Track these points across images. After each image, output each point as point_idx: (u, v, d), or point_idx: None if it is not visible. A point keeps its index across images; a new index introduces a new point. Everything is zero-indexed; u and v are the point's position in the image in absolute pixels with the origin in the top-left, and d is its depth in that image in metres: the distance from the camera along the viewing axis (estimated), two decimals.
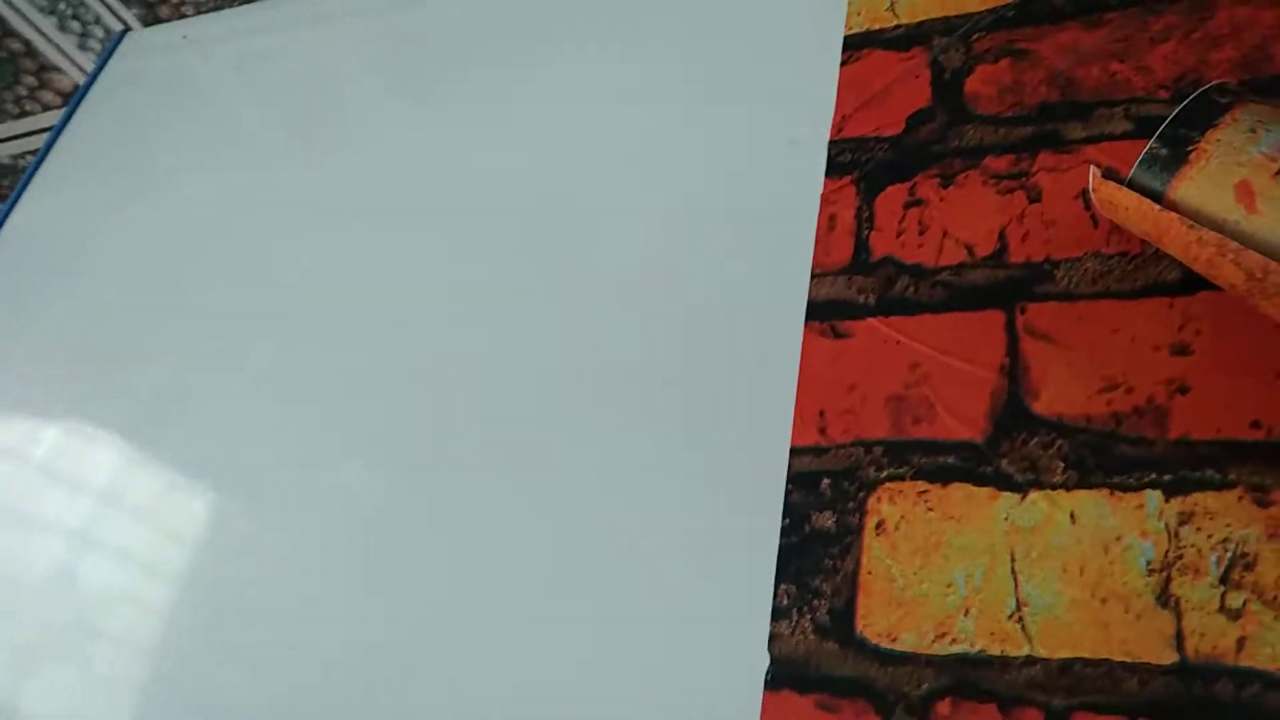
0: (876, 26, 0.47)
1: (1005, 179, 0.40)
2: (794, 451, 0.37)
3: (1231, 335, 0.33)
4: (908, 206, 0.41)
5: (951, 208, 0.40)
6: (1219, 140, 0.32)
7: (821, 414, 0.38)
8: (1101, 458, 0.33)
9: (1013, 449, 0.34)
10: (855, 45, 0.46)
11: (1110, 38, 0.42)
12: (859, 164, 0.43)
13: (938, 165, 0.41)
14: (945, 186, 0.41)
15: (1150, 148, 0.33)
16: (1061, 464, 0.34)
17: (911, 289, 0.39)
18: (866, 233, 0.41)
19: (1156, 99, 0.39)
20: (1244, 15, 0.40)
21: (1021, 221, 0.39)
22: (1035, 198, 0.39)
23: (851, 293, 0.40)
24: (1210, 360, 0.33)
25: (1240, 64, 0.39)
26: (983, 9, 0.45)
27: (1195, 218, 0.32)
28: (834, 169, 0.43)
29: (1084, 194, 0.38)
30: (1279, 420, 0.31)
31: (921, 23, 0.46)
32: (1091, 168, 0.34)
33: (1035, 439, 0.34)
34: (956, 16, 0.46)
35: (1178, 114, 0.33)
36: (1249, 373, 0.32)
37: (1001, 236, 0.39)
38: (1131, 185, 0.33)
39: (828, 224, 0.42)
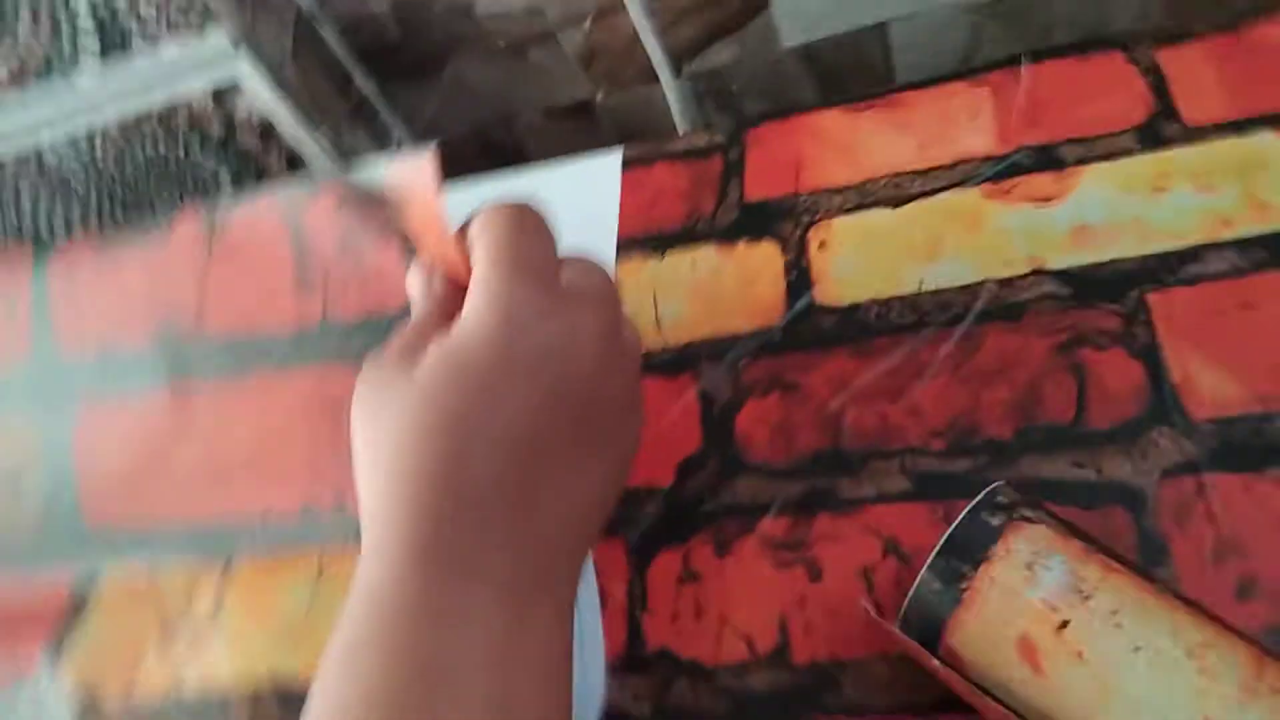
0: (645, 348, 0.42)
1: (782, 548, 0.36)
2: None
3: None
4: (682, 581, 0.36)
5: (727, 584, 0.36)
6: (993, 579, 0.28)
7: None
8: None
9: None
10: None
11: (879, 372, 0.39)
12: (631, 522, 0.38)
13: (711, 527, 0.37)
14: (720, 555, 0.36)
15: (921, 580, 0.29)
16: None
17: (690, 694, 0.34)
18: (639, 613, 0.36)
19: (931, 450, 0.36)
20: (1012, 347, 0.38)
21: (803, 608, 0.34)
22: (815, 575, 0.35)
23: (626, 699, 0.35)
24: None
25: (1014, 406, 0.36)
26: (750, 329, 0.42)
27: (978, 672, 0.28)
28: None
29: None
30: None
31: (688, 345, 0.42)
32: (861, 603, 0.30)
33: None
34: (723, 338, 0.42)
35: (947, 539, 0.29)
36: None
37: (783, 627, 0.34)
38: (905, 623, 0.29)
39: None
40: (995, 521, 0.29)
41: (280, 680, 0.42)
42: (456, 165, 0.70)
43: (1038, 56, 0.45)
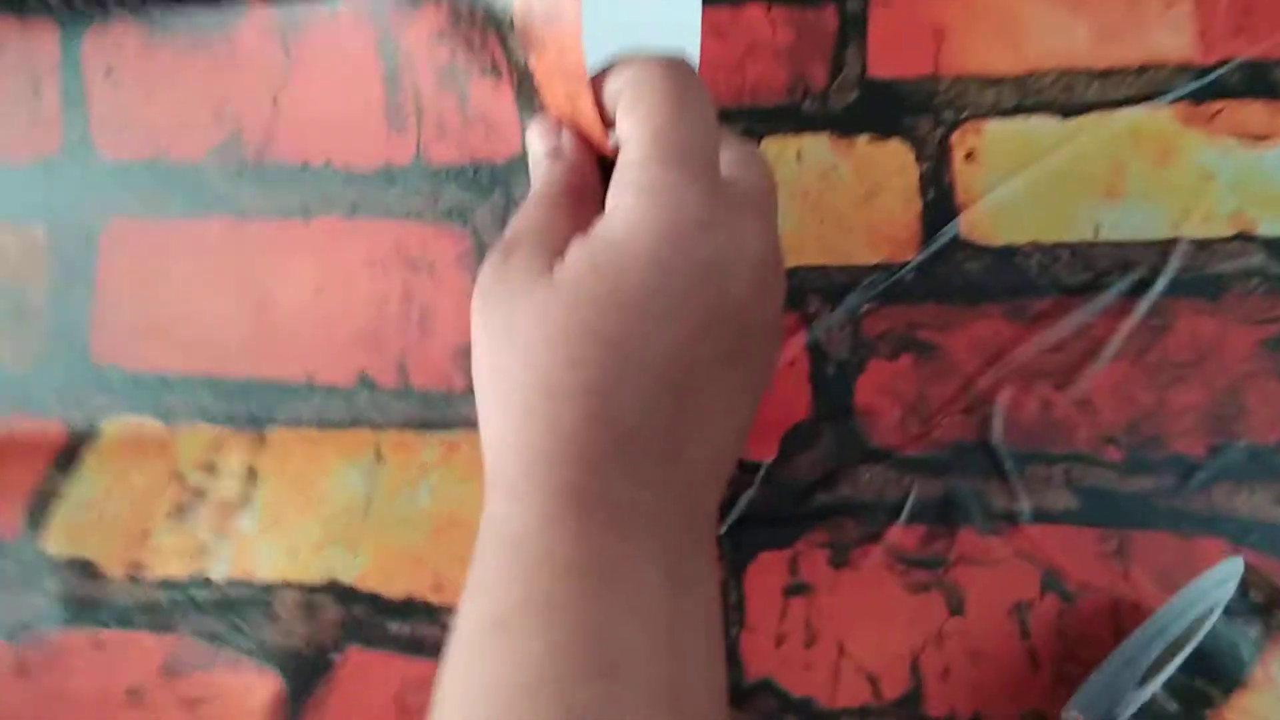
0: None
1: (916, 566, 0.29)
2: None
3: None
4: (789, 594, 0.30)
5: (846, 603, 0.29)
6: (1249, 713, 0.22)
7: None
8: None
9: None
10: None
11: (1043, 345, 0.31)
12: (721, 506, 0.31)
13: (825, 526, 0.30)
14: (837, 566, 0.30)
15: (1154, 698, 0.23)
16: None
17: None
18: (736, 632, 0.30)
19: (1104, 460, 0.29)
20: (1209, 334, 0.30)
21: (940, 647, 0.28)
22: (956, 606, 0.29)
23: None
24: None
25: (1209, 414, 0.30)
26: (874, 261, 0.33)
27: None
28: None
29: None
30: None
31: (792, 273, 0.34)
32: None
33: None
34: (839, 269, 0.33)
35: (1193, 652, 0.23)
36: None
37: (915, 669, 0.28)
38: None
39: None
40: (1253, 633, 0.22)
41: (339, 581, 0.34)
42: None
43: None
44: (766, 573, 0.30)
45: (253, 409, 0.36)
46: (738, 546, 0.30)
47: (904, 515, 0.29)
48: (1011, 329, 0.32)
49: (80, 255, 0.38)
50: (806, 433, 0.31)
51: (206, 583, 0.34)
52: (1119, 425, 0.30)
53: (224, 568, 0.34)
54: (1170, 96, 0.34)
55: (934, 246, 0.33)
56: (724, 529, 0.30)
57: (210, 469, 0.35)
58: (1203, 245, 0.32)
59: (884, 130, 0.35)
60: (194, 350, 0.37)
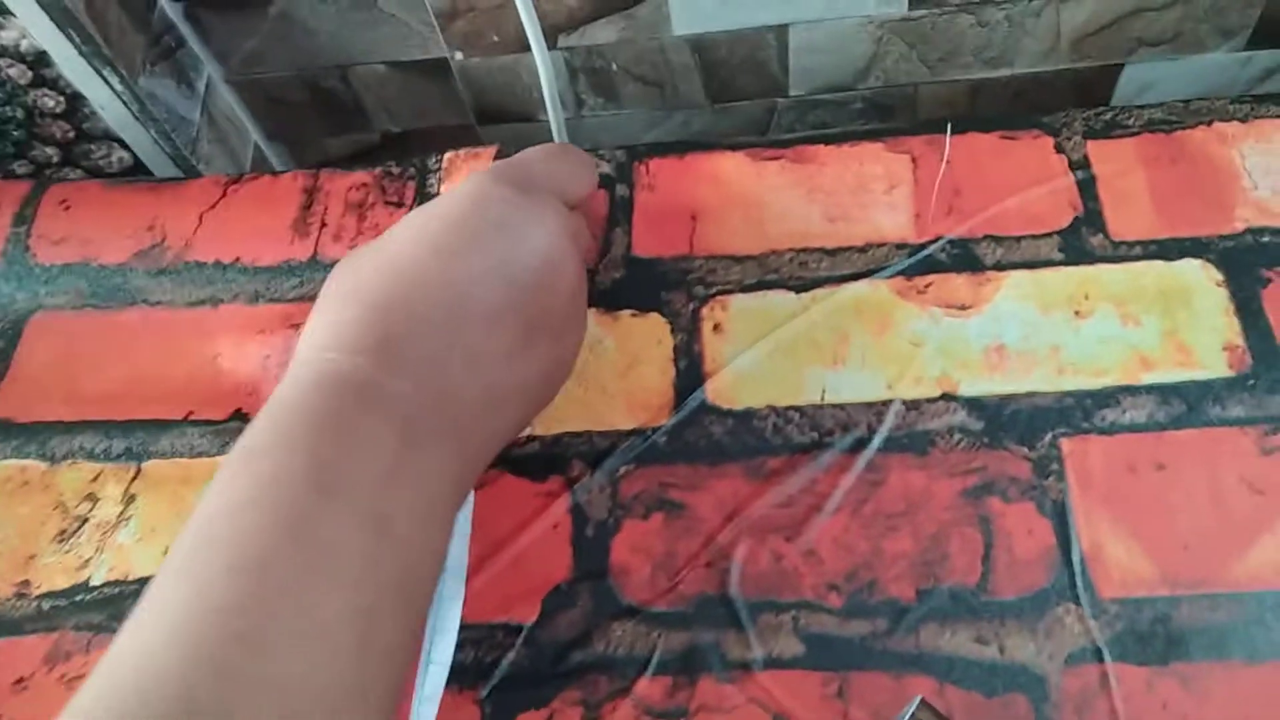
0: None
1: (660, 718, 0.31)
2: None
3: None
4: None
5: None
6: None
7: None
8: None
9: None
10: None
11: (775, 501, 0.34)
12: (485, 668, 0.32)
13: (579, 684, 0.32)
14: None
15: None
16: None
17: None
18: None
19: (827, 606, 0.32)
20: (918, 486, 0.34)
21: None
22: None
23: None
24: None
25: (917, 560, 0.32)
26: (631, 426, 0.36)
27: None
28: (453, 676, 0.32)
29: None
30: None
31: (559, 439, 0.36)
32: None
33: None
34: (601, 434, 0.36)
35: None
36: None
37: None
38: None
39: None
40: None
41: None
42: (281, 111, 0.59)
43: (960, 127, 0.40)
44: None
45: (132, 446, 0.37)
46: (499, 708, 0.31)
47: (650, 668, 0.31)
48: (749, 486, 0.34)
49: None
50: (566, 593, 0.33)
51: (86, 590, 0.35)
52: (840, 573, 0.32)
53: (104, 573, 0.35)
54: (888, 272, 0.38)
55: (684, 413, 0.36)
56: (486, 691, 0.31)
57: (91, 499, 0.36)
58: (913, 405, 0.35)
59: (645, 305, 0.38)
60: (79, 407, 0.39)
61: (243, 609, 0.22)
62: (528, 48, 0.44)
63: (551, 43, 0.54)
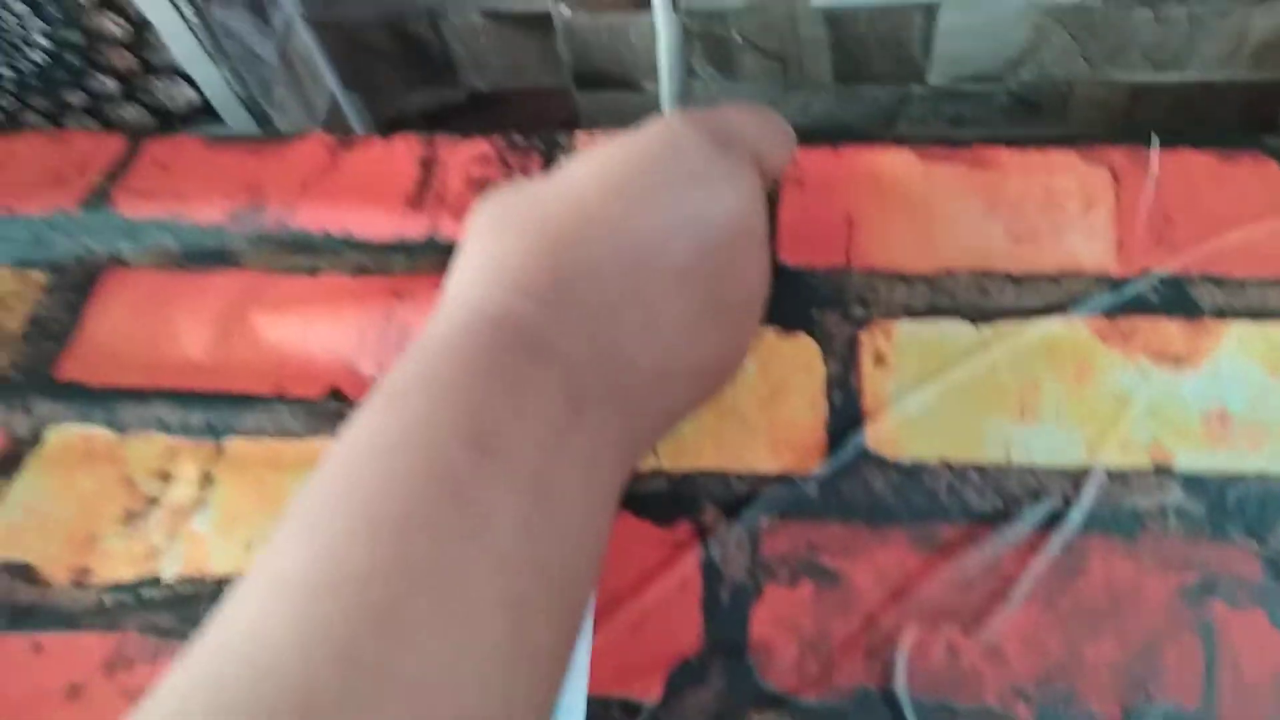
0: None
1: None
2: None
3: None
4: None
5: None
6: None
7: None
8: None
9: None
10: None
11: (951, 580, 0.28)
12: None
13: None
14: None
15: None
16: None
17: None
18: None
19: (1013, 717, 0.26)
20: (1125, 579, 0.27)
21: None
22: None
23: None
24: None
25: (1124, 671, 0.26)
26: (776, 470, 0.30)
27: None
28: None
29: None
30: None
31: (688, 477, 0.30)
32: None
33: None
34: (739, 476, 0.30)
35: None
36: None
37: None
38: None
39: None
40: None
41: None
42: (362, 57, 0.52)
43: (1168, 142, 0.34)
44: None
45: (212, 421, 0.32)
46: None
47: None
48: (918, 558, 0.28)
49: (74, 292, 0.36)
50: (696, 669, 0.27)
51: (155, 587, 0.29)
52: (1030, 678, 0.26)
53: (174, 572, 0.29)
54: (1088, 309, 0.31)
55: (842, 459, 0.30)
56: None
57: (164, 477, 0.31)
58: (1118, 476, 0.29)
59: (792, 323, 0.32)
60: (159, 374, 0.33)
61: (382, 578, 0.17)
62: (642, 6, 0.38)
63: (674, 4, 0.47)
